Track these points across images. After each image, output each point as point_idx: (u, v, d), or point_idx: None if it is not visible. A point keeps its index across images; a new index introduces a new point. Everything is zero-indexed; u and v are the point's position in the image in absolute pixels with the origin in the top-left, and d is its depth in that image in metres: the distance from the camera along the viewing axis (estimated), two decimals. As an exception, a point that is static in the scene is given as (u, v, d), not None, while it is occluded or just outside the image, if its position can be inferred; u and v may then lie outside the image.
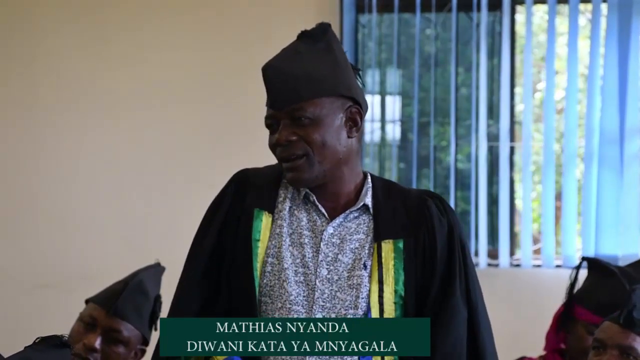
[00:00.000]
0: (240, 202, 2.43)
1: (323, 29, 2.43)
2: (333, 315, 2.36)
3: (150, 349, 3.11)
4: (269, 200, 2.43)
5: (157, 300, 3.14)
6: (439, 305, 2.39)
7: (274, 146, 2.40)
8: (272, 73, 2.38)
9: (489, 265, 5.26)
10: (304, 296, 2.36)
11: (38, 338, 2.15)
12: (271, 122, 2.40)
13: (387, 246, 2.40)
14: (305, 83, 2.36)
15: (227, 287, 2.40)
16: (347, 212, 2.42)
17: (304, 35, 2.43)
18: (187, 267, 2.46)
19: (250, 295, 2.36)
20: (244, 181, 2.46)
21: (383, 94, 5.47)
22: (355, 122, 2.41)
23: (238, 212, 2.43)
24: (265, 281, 2.38)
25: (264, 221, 2.41)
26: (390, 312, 2.38)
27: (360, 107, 2.42)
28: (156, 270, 3.24)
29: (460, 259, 2.43)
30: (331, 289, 2.37)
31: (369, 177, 2.48)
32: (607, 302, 3.23)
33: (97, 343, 3.03)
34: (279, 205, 2.43)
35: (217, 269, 2.42)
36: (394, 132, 5.49)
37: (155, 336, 3.03)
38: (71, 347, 2.17)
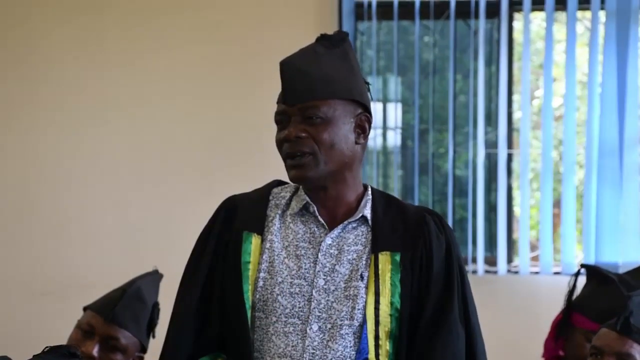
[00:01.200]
0: (229, 228, 2.44)
1: (342, 37, 2.44)
2: (329, 326, 2.36)
3: (148, 357, 3.12)
4: (258, 222, 2.43)
5: (155, 307, 3.14)
6: (437, 322, 2.39)
7: (281, 142, 2.40)
8: (289, 69, 2.39)
9: (487, 272, 5.27)
10: (299, 307, 2.36)
11: (47, 347, 2.14)
12: (281, 118, 2.41)
13: (384, 258, 2.40)
14: (321, 82, 2.37)
15: (218, 312, 2.40)
16: (346, 222, 2.42)
17: (323, 38, 2.44)
18: (180, 298, 2.46)
19: (241, 317, 2.37)
20: (232, 207, 2.47)
21: (383, 101, 5.48)
22: (363, 129, 2.43)
23: (227, 238, 2.44)
24: (257, 297, 2.38)
25: (254, 242, 2.41)
26: (385, 324, 2.38)
27: (369, 115, 2.44)
28: (154, 277, 3.24)
29: (458, 278, 2.44)
30: (327, 300, 2.37)
31: (369, 189, 2.48)
32: (606, 310, 3.23)
33: (95, 351, 3.03)
34: (268, 225, 2.43)
35: (210, 297, 2.43)
36: (395, 139, 5.49)
37: (153, 344, 3.04)
38: (80, 357, 2.17)
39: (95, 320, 3.07)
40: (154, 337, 3.12)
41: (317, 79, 2.37)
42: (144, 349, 3.13)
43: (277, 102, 2.43)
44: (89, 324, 3.07)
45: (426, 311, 2.39)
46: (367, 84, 2.48)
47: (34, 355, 2.14)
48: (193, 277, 2.45)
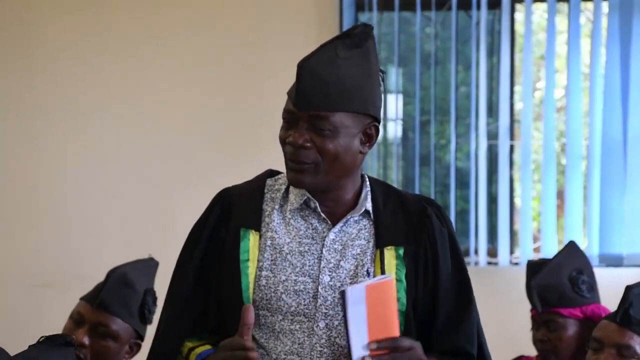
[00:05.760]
0: (224, 222, 2.39)
1: (365, 35, 2.33)
2: (336, 323, 2.33)
3: (147, 344, 3.10)
4: (254, 218, 2.38)
5: (148, 293, 3.11)
6: (457, 319, 2.39)
7: (284, 141, 2.34)
8: (305, 72, 2.28)
9: (489, 263, 5.26)
10: (305, 305, 2.33)
11: (42, 337, 2.13)
12: (288, 117, 2.33)
13: (390, 253, 2.37)
14: (336, 93, 2.27)
15: (215, 308, 2.38)
16: (348, 217, 2.38)
17: (345, 37, 2.33)
18: (172, 290, 2.44)
19: (239, 315, 2.30)
20: (227, 201, 2.41)
21: (385, 92, 5.46)
22: (370, 138, 2.36)
23: (223, 234, 2.39)
24: (260, 295, 2.34)
25: (252, 240, 2.36)
26: None
27: (378, 124, 2.37)
28: (146, 264, 3.20)
29: (466, 272, 2.44)
30: (334, 296, 2.33)
31: (367, 180, 2.44)
32: (530, 297, 3.65)
33: (85, 339, 3.02)
34: (266, 220, 2.38)
35: (203, 290, 2.40)
36: (395, 130, 5.48)
37: (151, 331, 3.03)
38: (75, 346, 2.16)
39: (84, 308, 3.05)
40: (149, 323, 3.10)
41: (333, 88, 2.27)
42: (140, 336, 3.11)
43: (288, 95, 2.34)
44: (79, 313, 3.06)
45: (442, 307, 2.38)
46: (382, 72, 2.38)
47: (29, 346, 2.13)
48: (184, 270, 2.41)
